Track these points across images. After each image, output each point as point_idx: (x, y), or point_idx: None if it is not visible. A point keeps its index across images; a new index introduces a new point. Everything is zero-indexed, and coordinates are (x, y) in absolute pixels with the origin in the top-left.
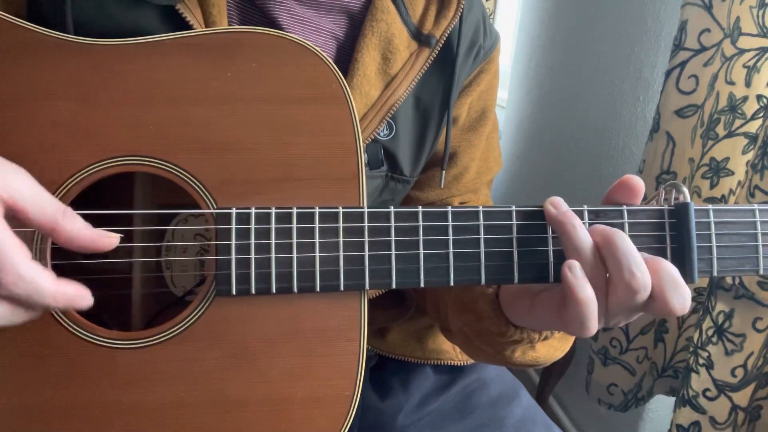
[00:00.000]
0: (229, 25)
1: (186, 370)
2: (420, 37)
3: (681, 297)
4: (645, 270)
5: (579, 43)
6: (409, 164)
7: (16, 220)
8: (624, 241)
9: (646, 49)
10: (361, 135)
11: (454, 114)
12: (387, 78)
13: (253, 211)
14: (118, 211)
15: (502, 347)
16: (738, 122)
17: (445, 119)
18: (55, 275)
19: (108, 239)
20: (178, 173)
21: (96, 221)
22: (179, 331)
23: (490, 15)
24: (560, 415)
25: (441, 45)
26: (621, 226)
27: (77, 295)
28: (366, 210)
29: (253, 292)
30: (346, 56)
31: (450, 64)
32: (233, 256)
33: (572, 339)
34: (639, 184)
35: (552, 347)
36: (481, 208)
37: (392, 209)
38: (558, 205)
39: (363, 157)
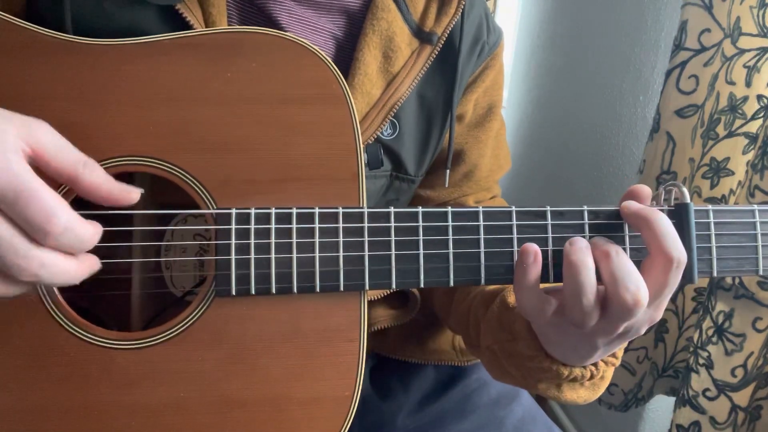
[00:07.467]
0: (229, 24)
1: (185, 370)
2: (421, 35)
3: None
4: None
5: (579, 43)
6: (413, 163)
7: (39, 170)
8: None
9: (646, 49)
10: (361, 135)
11: (460, 111)
12: (389, 76)
13: (252, 211)
14: (117, 211)
15: (528, 373)
16: (738, 122)
17: (449, 116)
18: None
19: (128, 194)
20: (178, 173)
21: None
22: (179, 331)
23: None
24: (560, 415)
25: (443, 42)
26: (620, 227)
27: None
28: (366, 210)
29: (253, 292)
30: (346, 56)
31: (453, 61)
32: (233, 257)
33: (600, 391)
34: (645, 191)
35: (577, 395)
36: (480, 209)
37: (392, 209)
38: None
39: (363, 158)
